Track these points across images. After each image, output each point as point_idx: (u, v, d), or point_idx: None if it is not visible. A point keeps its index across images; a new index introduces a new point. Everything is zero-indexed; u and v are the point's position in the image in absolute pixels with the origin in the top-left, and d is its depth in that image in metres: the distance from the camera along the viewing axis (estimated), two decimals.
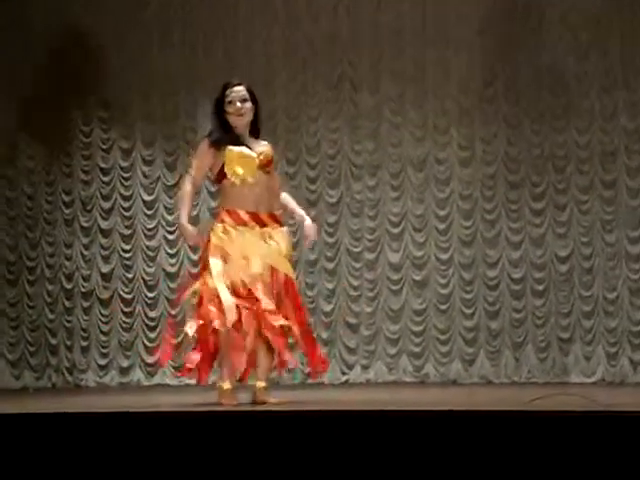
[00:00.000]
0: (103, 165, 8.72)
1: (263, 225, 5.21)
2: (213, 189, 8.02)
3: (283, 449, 4.06)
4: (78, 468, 4.11)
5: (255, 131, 5.30)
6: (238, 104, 5.21)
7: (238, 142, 5.23)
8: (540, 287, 8.43)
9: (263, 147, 5.28)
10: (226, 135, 5.22)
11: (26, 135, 8.71)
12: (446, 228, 8.55)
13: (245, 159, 5.20)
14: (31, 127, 8.70)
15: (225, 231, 5.18)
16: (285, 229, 5.28)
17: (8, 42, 8.66)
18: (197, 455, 4.12)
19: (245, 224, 5.19)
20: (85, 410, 4.97)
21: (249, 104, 5.24)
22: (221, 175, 5.23)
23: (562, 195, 8.46)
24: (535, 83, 8.44)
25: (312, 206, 8.57)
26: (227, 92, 5.25)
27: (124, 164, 8.72)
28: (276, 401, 5.17)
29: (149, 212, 8.70)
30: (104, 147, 8.73)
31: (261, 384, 5.15)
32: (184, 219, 5.16)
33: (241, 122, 5.23)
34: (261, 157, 5.25)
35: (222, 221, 5.19)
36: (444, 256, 8.54)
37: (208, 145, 5.23)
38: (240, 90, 5.24)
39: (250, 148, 5.25)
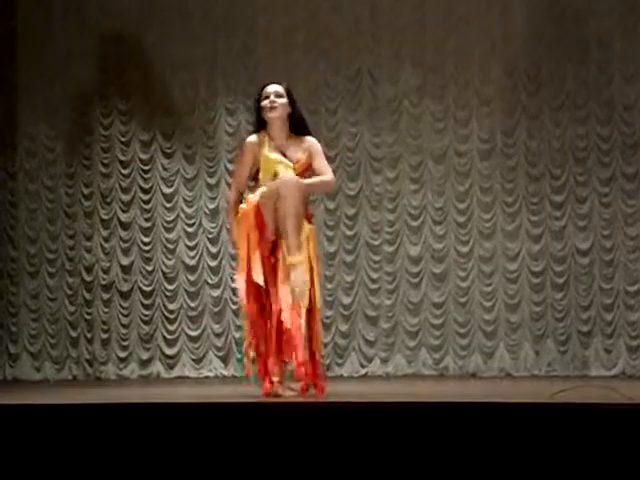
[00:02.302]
0: (122, 158, 8.74)
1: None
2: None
3: (301, 441, 4.06)
4: (98, 458, 4.13)
5: (297, 129, 5.36)
6: (272, 97, 5.31)
7: (273, 143, 5.31)
8: (560, 280, 8.38)
9: (301, 153, 5.32)
10: (261, 131, 5.33)
11: (46, 128, 8.74)
12: (466, 221, 8.52)
13: (279, 165, 5.27)
14: (51, 120, 8.72)
15: None
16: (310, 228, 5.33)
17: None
18: (215, 446, 4.12)
19: None
20: (105, 401, 4.98)
21: (283, 100, 5.32)
22: (257, 174, 5.37)
23: (583, 187, 8.41)
24: (556, 73, 8.40)
25: (331, 199, 8.57)
26: (264, 90, 5.38)
27: (143, 157, 8.73)
28: (291, 394, 5.17)
29: (168, 205, 8.71)
30: (123, 140, 8.74)
31: (275, 378, 5.17)
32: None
33: (274, 116, 5.30)
34: (296, 166, 5.29)
35: None
36: (464, 249, 8.51)
37: (246, 146, 5.36)
38: (276, 87, 5.36)
39: (285, 154, 5.31)
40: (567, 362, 8.30)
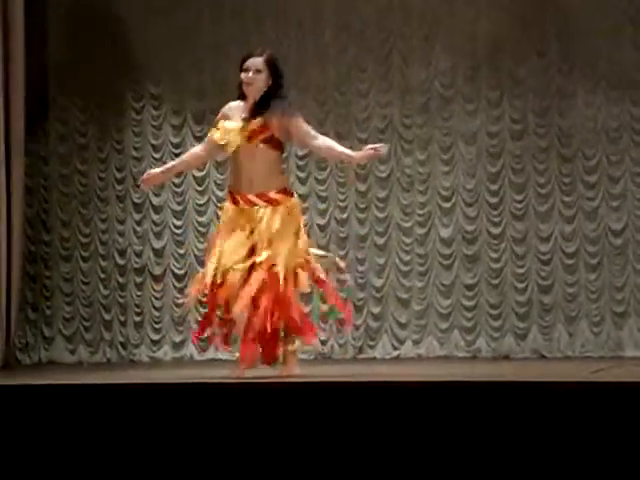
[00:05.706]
0: (154, 142, 8.77)
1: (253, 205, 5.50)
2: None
3: (334, 421, 4.07)
4: (131, 438, 4.16)
5: (265, 105, 5.39)
6: (250, 74, 5.36)
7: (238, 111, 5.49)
8: (594, 261, 8.33)
9: (260, 117, 5.38)
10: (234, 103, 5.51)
11: (78, 113, 8.78)
12: (498, 202, 8.48)
13: (228, 131, 5.44)
14: (83, 105, 8.77)
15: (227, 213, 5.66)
16: (281, 208, 5.48)
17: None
18: (249, 426, 4.15)
19: (237, 203, 5.56)
20: (140, 382, 5.02)
21: (261, 75, 5.34)
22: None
23: (616, 167, 8.34)
24: (589, 53, 8.32)
25: (362, 181, 8.56)
26: (245, 62, 5.41)
27: (175, 140, 8.75)
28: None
29: (200, 188, 8.73)
30: (155, 124, 8.77)
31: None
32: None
33: (249, 92, 5.40)
34: (248, 127, 5.38)
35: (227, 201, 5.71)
36: (496, 230, 8.47)
37: (220, 112, 5.63)
38: (256, 62, 5.36)
39: (246, 120, 5.42)
40: (601, 343, 8.25)
